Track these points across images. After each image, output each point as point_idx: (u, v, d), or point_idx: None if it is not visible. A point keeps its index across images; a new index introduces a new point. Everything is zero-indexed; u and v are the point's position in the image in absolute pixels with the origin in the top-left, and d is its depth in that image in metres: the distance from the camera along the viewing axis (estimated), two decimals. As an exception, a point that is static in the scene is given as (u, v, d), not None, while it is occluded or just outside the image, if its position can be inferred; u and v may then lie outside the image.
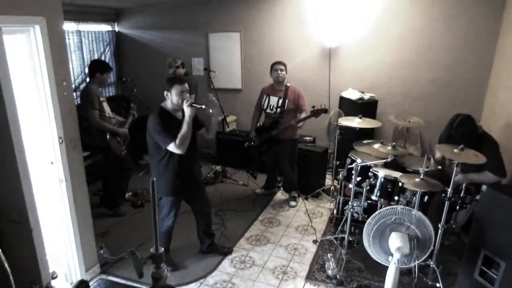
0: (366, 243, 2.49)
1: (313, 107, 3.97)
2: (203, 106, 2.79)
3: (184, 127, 2.70)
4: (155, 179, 1.42)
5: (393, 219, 2.37)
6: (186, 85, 2.80)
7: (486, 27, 4.26)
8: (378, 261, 2.49)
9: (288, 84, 4.16)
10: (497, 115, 3.92)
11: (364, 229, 2.48)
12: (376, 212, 2.43)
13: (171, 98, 2.78)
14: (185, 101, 2.72)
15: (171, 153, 2.79)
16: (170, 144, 2.71)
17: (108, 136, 3.78)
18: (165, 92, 2.79)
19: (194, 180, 3.08)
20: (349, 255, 3.23)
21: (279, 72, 4.07)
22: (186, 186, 2.99)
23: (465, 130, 2.92)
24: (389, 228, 2.39)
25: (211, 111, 2.88)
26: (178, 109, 2.82)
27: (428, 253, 2.36)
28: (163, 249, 1.48)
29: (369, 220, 2.45)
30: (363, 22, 4.75)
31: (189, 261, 3.32)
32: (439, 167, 3.32)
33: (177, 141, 2.69)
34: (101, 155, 4.17)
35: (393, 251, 2.34)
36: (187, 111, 2.70)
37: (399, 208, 2.38)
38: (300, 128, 4.20)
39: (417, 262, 2.34)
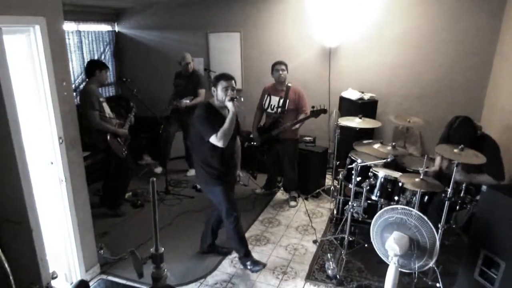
0: (371, 238, 2.52)
1: (313, 107, 3.98)
2: (242, 98, 2.93)
3: (227, 122, 2.76)
4: (154, 179, 1.41)
5: (394, 218, 2.37)
6: (233, 81, 2.85)
7: (486, 27, 4.26)
8: (382, 257, 2.50)
9: (290, 84, 4.16)
10: (497, 115, 3.92)
11: (372, 224, 2.51)
12: (384, 209, 2.45)
13: (217, 94, 2.83)
14: (227, 97, 2.77)
15: (213, 147, 2.84)
16: (211, 136, 2.76)
17: (108, 137, 3.78)
18: (212, 88, 2.86)
19: (233, 174, 3.14)
20: (349, 255, 3.23)
21: (281, 72, 4.07)
22: (226, 175, 3.01)
23: (463, 132, 2.92)
24: (394, 227, 2.40)
25: (242, 99, 3.02)
26: (224, 106, 2.85)
27: (432, 263, 2.33)
28: (163, 249, 1.48)
29: (376, 216, 2.48)
30: (363, 22, 4.75)
31: (189, 261, 3.32)
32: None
33: (219, 133, 2.74)
34: (101, 155, 4.17)
35: (386, 247, 2.36)
36: (230, 106, 2.77)
37: (399, 208, 2.38)
38: (298, 129, 4.21)
39: (417, 266, 2.33)
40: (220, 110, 2.90)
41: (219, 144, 2.78)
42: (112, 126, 3.84)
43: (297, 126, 4.10)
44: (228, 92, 2.79)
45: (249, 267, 3.13)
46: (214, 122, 2.80)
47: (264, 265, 3.17)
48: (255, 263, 3.14)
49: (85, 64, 5.57)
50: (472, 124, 2.98)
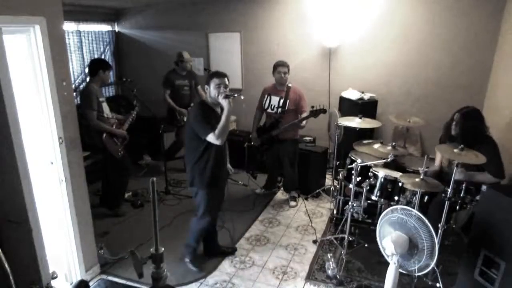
0: (377, 237, 2.54)
1: (312, 107, 3.97)
2: (236, 95, 2.85)
3: (223, 119, 2.75)
4: (154, 179, 1.41)
5: (396, 217, 2.37)
6: (226, 79, 2.83)
7: (486, 27, 4.26)
8: (386, 258, 2.50)
9: (290, 85, 4.15)
10: (497, 115, 3.91)
11: (378, 223, 2.53)
12: (388, 209, 2.46)
13: (210, 91, 2.82)
14: (220, 94, 2.76)
15: (208, 146, 2.83)
16: (209, 134, 2.74)
17: (104, 137, 3.76)
18: (206, 86, 2.85)
19: (223, 175, 3.13)
20: (349, 255, 3.24)
21: (283, 75, 4.07)
22: (218, 180, 3.02)
23: (471, 122, 2.92)
24: (396, 227, 2.40)
25: (242, 97, 2.93)
26: (217, 104, 2.85)
27: (431, 265, 2.32)
28: (163, 249, 1.48)
29: (381, 216, 2.49)
30: (363, 22, 4.75)
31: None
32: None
33: (216, 131, 2.73)
34: (101, 155, 4.17)
35: (383, 245, 2.37)
36: (224, 103, 2.75)
37: (399, 208, 2.38)
38: (303, 128, 4.20)
39: (417, 267, 2.33)
40: (214, 108, 2.89)
41: (217, 142, 2.76)
42: (109, 126, 3.83)
43: (303, 123, 4.08)
44: (221, 89, 2.78)
45: (186, 259, 3.19)
46: (210, 120, 2.79)
47: (203, 275, 3.13)
48: (195, 264, 3.18)
49: (85, 64, 5.61)
50: (481, 116, 2.98)
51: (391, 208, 2.45)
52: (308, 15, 4.99)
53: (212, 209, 3.07)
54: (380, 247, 2.53)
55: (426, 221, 2.27)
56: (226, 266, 3.27)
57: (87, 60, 5.69)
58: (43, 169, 2.66)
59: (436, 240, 2.25)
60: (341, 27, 4.82)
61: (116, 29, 6.29)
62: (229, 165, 3.28)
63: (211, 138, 2.75)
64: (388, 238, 2.34)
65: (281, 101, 4.13)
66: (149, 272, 1.48)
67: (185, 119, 4.86)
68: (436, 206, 2.95)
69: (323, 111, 3.97)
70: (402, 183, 3.02)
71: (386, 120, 4.47)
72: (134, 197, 4.51)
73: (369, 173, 3.22)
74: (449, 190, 2.65)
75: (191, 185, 3.02)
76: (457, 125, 2.98)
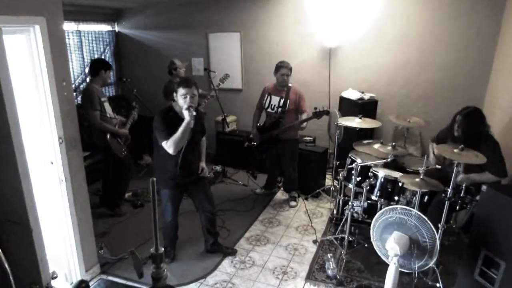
0: (371, 238, 2.53)
1: (315, 108, 3.96)
2: (194, 113, 2.77)
3: (179, 131, 2.75)
4: (155, 178, 1.42)
5: (394, 217, 2.37)
6: (193, 89, 2.78)
7: (486, 27, 4.26)
8: (382, 257, 2.50)
9: (290, 85, 4.15)
10: (497, 115, 3.91)
11: (372, 224, 2.52)
12: (384, 209, 2.46)
13: (178, 100, 2.82)
14: (184, 105, 2.75)
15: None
16: (163, 142, 2.81)
17: (108, 137, 3.78)
18: (174, 94, 2.86)
19: (192, 178, 3.11)
20: (349, 255, 3.24)
21: (285, 77, 4.06)
22: (182, 182, 3.05)
23: (473, 123, 2.91)
24: (394, 227, 2.40)
25: (202, 109, 2.84)
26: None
27: (432, 263, 2.33)
28: (163, 249, 1.48)
29: (376, 216, 2.49)
30: (363, 22, 4.75)
31: (189, 261, 3.32)
32: (438, 166, 3.32)
33: (169, 141, 2.77)
34: (101, 155, 4.17)
35: (386, 247, 2.37)
36: (185, 114, 2.74)
37: (399, 208, 2.38)
38: (304, 129, 4.19)
39: (417, 266, 2.33)
40: (181, 115, 2.84)
41: (169, 151, 2.79)
42: (112, 126, 3.84)
43: (304, 125, 4.08)
44: (186, 99, 2.74)
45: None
46: (170, 127, 2.77)
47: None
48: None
49: (85, 64, 5.61)
50: (482, 115, 2.98)
51: (389, 208, 2.45)
52: (308, 15, 4.98)
53: (172, 209, 3.11)
54: (377, 248, 2.53)
55: (426, 219, 2.27)
56: (226, 266, 3.27)
57: (87, 60, 5.69)
58: (43, 169, 2.67)
59: (437, 236, 2.25)
60: (341, 27, 4.82)
61: (116, 29, 6.29)
62: (203, 164, 3.19)
63: (164, 145, 2.81)
64: (391, 239, 2.34)
65: (281, 101, 4.13)
66: (149, 272, 1.48)
67: None
68: (436, 206, 2.95)
69: (326, 112, 3.95)
70: (402, 183, 3.03)
71: (386, 120, 4.46)
72: (134, 197, 4.51)
73: (369, 173, 3.22)
74: (449, 190, 2.65)
75: (157, 183, 3.05)
76: (459, 127, 2.98)
